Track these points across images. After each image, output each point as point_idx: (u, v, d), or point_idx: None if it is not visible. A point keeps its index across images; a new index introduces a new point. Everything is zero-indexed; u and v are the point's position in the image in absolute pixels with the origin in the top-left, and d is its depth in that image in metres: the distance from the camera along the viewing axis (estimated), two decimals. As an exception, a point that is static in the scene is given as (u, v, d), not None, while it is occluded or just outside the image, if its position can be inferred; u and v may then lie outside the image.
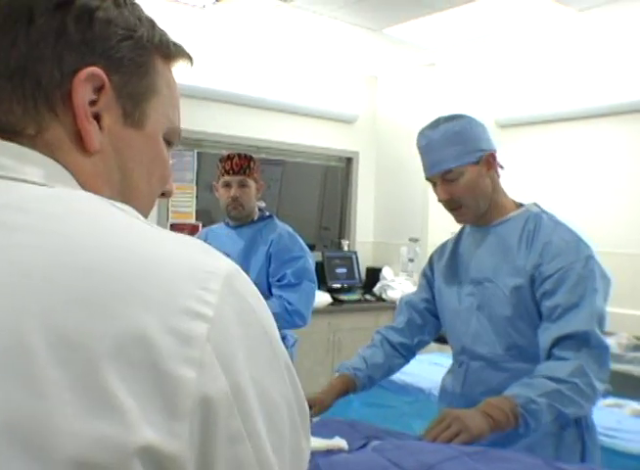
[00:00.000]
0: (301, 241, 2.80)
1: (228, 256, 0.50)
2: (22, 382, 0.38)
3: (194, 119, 4.56)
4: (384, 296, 5.19)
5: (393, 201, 5.58)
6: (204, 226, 4.78)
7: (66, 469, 0.37)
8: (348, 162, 5.72)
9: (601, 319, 1.53)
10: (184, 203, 4.71)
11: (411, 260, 5.29)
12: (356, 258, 5.46)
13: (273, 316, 0.51)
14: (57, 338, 0.39)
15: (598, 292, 1.53)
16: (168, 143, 0.65)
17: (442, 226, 5.26)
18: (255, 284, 0.51)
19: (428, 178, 1.72)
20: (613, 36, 4.36)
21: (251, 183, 2.71)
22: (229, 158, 2.71)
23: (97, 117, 0.56)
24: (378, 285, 5.29)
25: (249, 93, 4.91)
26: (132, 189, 0.61)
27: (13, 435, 0.36)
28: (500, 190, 1.73)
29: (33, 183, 0.50)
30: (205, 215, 4.98)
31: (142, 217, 0.51)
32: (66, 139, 0.55)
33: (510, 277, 1.62)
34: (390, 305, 5.12)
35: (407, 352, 1.92)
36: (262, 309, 0.49)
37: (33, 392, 0.37)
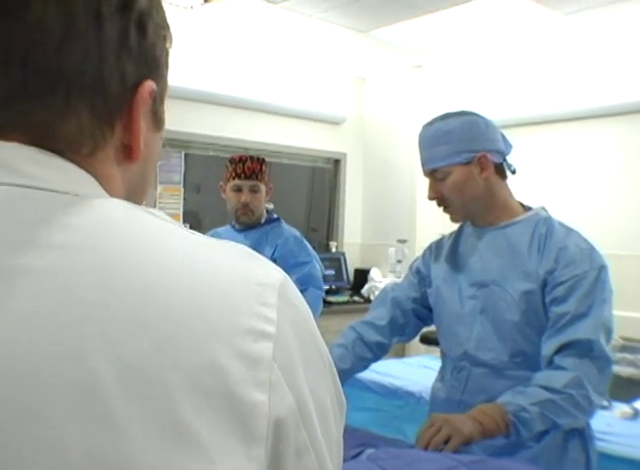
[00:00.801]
0: (309, 245, 2.73)
1: None
2: (99, 420, 0.36)
3: (182, 121, 4.53)
4: (372, 297, 5.18)
5: (381, 202, 5.58)
6: (191, 228, 4.75)
7: None
8: (336, 163, 5.72)
9: (608, 331, 1.50)
10: (172, 205, 4.68)
11: (399, 262, 5.29)
12: (344, 259, 5.46)
13: None
14: (125, 370, 0.37)
15: (607, 303, 1.52)
16: None
17: (430, 227, 5.28)
18: None
19: (424, 175, 1.72)
20: (599, 39, 4.39)
21: (262, 188, 2.65)
22: (241, 160, 2.63)
23: None
24: (366, 286, 5.29)
25: (236, 94, 4.89)
26: (143, 189, 0.60)
27: None
28: (505, 192, 1.69)
29: (70, 194, 0.47)
30: (193, 217, 4.95)
31: (177, 222, 0.49)
32: (112, 156, 0.53)
33: (520, 281, 1.58)
34: (379, 307, 5.12)
35: (381, 352, 1.82)
36: (309, 314, 0.50)
37: (112, 430, 0.36)
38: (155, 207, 4.55)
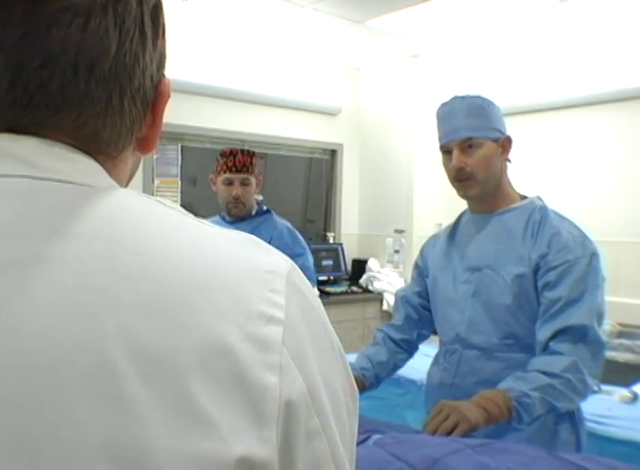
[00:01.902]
0: (301, 237, 2.75)
1: None
2: (114, 403, 0.37)
3: (178, 114, 4.52)
4: (370, 287, 5.21)
5: (378, 192, 5.59)
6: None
7: None
8: (332, 154, 5.72)
9: (600, 316, 1.54)
10: (169, 197, 4.67)
11: (397, 252, 5.31)
12: (342, 250, 5.47)
13: None
14: (139, 355, 0.38)
15: (599, 289, 1.55)
16: None
17: (428, 217, 5.30)
18: None
19: (443, 146, 1.71)
20: (594, 26, 4.39)
21: (253, 180, 2.67)
22: (232, 153, 2.64)
23: None
24: (364, 277, 5.31)
25: (232, 87, 4.88)
26: (133, 174, 0.61)
27: (112, 457, 0.36)
28: (507, 179, 1.73)
29: (86, 186, 0.48)
30: (189, 210, 4.93)
31: (186, 212, 0.50)
32: (132, 149, 0.55)
33: (513, 265, 1.62)
34: (377, 297, 5.14)
35: (410, 347, 1.92)
36: (318, 302, 0.50)
37: (126, 412, 0.37)
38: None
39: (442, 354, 1.79)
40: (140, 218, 0.46)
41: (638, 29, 4.26)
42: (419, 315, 1.91)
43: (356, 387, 0.52)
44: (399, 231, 5.31)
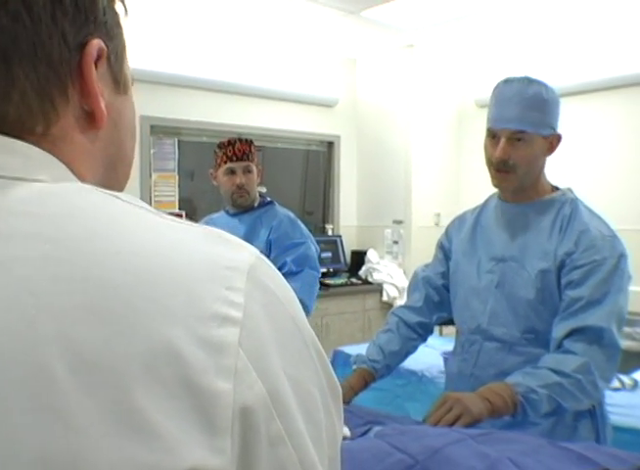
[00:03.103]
0: (303, 226, 2.72)
1: None
2: (50, 414, 0.35)
3: (174, 108, 4.50)
4: (369, 279, 5.21)
5: (376, 184, 5.58)
6: (187, 215, 4.74)
7: None
8: (330, 146, 5.70)
9: (620, 319, 1.51)
10: (167, 192, 4.67)
11: (395, 242, 5.31)
12: (341, 241, 5.47)
13: None
14: (78, 362, 0.36)
15: (622, 292, 1.52)
16: None
17: (426, 208, 5.30)
18: None
19: (491, 129, 1.62)
20: (592, 14, 4.37)
21: (254, 168, 2.65)
22: (230, 143, 2.62)
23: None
24: (363, 268, 5.31)
25: (228, 79, 4.86)
26: (122, 159, 0.57)
27: None
28: (544, 172, 1.68)
29: (35, 181, 0.45)
30: (188, 204, 4.94)
31: (147, 206, 0.47)
32: (74, 125, 0.50)
33: (538, 260, 1.58)
34: (377, 288, 5.14)
35: (425, 331, 1.87)
36: (288, 296, 0.47)
37: (63, 424, 0.35)
38: (150, 195, 4.54)
39: (461, 344, 1.75)
40: (89, 216, 0.43)
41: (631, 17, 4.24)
42: (441, 297, 1.85)
43: (337, 382, 0.49)
44: (398, 222, 5.31)
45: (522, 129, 1.57)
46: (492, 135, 1.62)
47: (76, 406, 0.35)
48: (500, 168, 1.61)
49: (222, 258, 0.43)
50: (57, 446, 0.34)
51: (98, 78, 0.51)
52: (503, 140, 1.58)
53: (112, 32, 0.53)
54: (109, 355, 0.36)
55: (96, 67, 0.50)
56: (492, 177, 1.65)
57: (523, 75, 1.62)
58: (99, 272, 0.39)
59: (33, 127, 0.47)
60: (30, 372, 0.35)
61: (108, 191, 0.46)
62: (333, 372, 0.49)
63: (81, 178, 0.50)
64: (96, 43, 0.50)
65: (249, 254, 0.45)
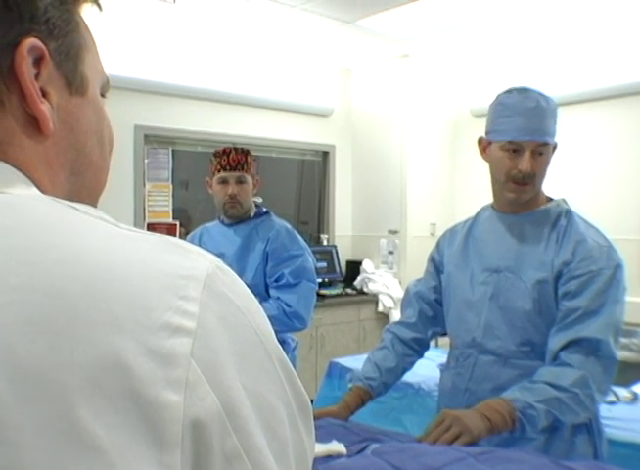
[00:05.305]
0: (300, 238, 2.68)
1: (223, 255, 0.45)
2: None
3: (168, 117, 4.48)
4: (365, 289, 5.18)
5: (371, 193, 5.56)
6: (181, 225, 4.70)
7: None
8: (325, 155, 5.69)
9: (617, 331, 1.49)
10: (161, 202, 4.63)
11: (391, 253, 5.28)
12: (336, 251, 5.44)
13: (270, 320, 0.47)
14: (18, 374, 0.34)
15: (619, 303, 1.50)
16: (102, 95, 0.59)
17: (421, 218, 5.28)
18: (252, 285, 0.46)
19: (514, 142, 1.56)
20: (588, 24, 4.38)
21: (249, 179, 2.60)
22: (225, 152, 2.58)
23: (44, 94, 0.49)
24: (359, 278, 5.28)
25: (223, 89, 4.85)
26: (87, 164, 0.55)
27: None
28: None
29: None
30: (182, 214, 4.91)
31: (106, 216, 0.45)
32: (15, 129, 0.48)
33: (534, 270, 1.57)
34: (372, 298, 5.11)
35: (420, 347, 1.85)
36: (250, 307, 0.45)
37: (1, 440, 0.33)
38: (144, 205, 4.51)
39: (455, 358, 1.72)
40: (39, 227, 0.41)
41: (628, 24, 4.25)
42: (434, 312, 1.83)
43: (306, 396, 0.47)
44: (393, 232, 5.28)
45: (547, 141, 1.57)
46: (512, 148, 1.58)
47: (14, 420, 0.34)
48: (523, 181, 1.58)
49: (178, 267, 0.42)
50: None
51: (46, 80, 0.49)
52: (527, 153, 1.56)
53: (57, 31, 0.51)
54: (51, 367, 0.35)
55: (39, 67, 0.49)
56: (508, 191, 1.61)
57: (522, 85, 1.61)
58: (48, 282, 0.38)
59: None
60: None
61: (64, 201, 0.45)
62: (302, 387, 0.47)
63: (38, 184, 0.49)
64: (29, 42, 0.48)
65: (208, 263, 0.44)
